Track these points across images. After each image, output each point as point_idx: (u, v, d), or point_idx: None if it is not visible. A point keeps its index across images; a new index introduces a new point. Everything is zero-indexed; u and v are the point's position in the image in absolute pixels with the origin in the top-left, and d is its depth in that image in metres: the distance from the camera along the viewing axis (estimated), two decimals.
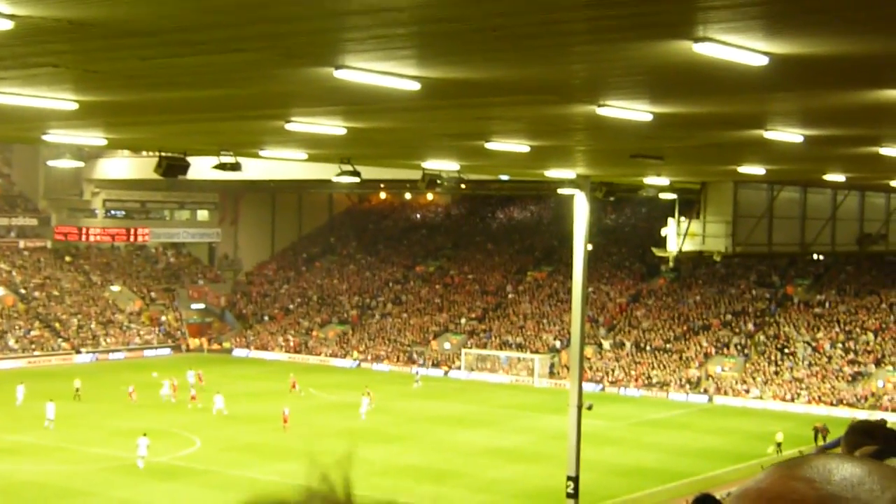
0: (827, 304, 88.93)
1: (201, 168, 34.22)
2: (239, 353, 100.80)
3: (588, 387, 65.78)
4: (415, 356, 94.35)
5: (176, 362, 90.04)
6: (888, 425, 6.28)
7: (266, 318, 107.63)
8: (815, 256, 78.02)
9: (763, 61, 14.12)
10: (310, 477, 0.99)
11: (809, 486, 1.22)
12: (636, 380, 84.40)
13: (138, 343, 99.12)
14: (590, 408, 45.97)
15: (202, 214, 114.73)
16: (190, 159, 32.03)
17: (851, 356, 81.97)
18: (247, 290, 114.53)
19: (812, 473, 1.24)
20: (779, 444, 55.94)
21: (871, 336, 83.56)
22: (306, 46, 14.62)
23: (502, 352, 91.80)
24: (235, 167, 32.23)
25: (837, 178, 41.84)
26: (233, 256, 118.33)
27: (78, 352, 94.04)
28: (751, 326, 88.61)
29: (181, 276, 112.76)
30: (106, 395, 73.13)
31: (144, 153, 58.30)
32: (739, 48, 13.57)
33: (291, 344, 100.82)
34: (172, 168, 31.87)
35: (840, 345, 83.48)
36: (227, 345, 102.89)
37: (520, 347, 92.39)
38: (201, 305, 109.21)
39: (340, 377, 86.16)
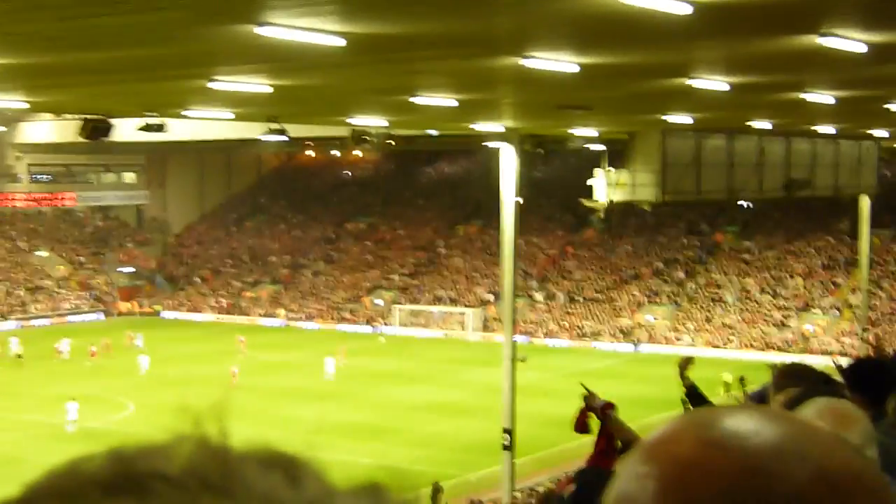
0: (755, 251, 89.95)
1: (126, 130, 33.82)
2: (169, 315, 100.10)
3: (521, 339, 66.08)
4: (348, 314, 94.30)
5: (107, 327, 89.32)
6: (814, 368, 6.35)
7: (197, 279, 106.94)
8: (742, 203, 78.81)
9: (687, 9, 14.15)
10: (182, 420, 0.98)
11: (726, 456, 1.16)
12: (569, 331, 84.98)
13: (68, 308, 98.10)
14: (523, 360, 46.17)
15: (129, 177, 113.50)
16: (114, 121, 31.65)
17: (780, 301, 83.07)
18: (177, 252, 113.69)
19: (729, 438, 1.17)
20: (728, 385, 56.32)
21: (799, 281, 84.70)
22: (227, 4, 14.44)
23: (435, 307, 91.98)
24: (160, 128, 31.92)
25: (763, 124, 42.18)
26: (161, 218, 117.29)
27: (5, 318, 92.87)
28: (681, 274, 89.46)
29: (110, 239, 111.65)
30: (35, 361, 72.40)
31: (68, 116, 57.44)
32: None
33: (224, 305, 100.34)
34: (97, 130, 31.48)
35: (769, 290, 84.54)
36: (157, 307, 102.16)
37: (452, 302, 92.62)
38: (131, 269, 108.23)
39: (269, 337, 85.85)
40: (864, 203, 66.64)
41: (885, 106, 33.64)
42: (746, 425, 1.19)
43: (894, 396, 4.77)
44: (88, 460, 0.95)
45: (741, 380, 55.27)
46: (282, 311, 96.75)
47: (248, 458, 0.96)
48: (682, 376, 9.95)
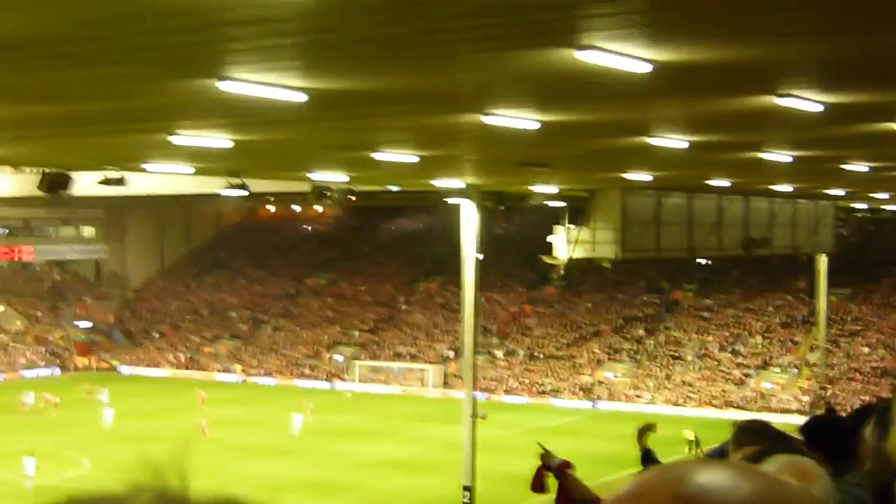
0: (715, 308, 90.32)
1: (85, 183, 33.65)
2: (127, 370, 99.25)
3: (481, 396, 65.93)
4: (307, 370, 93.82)
5: (62, 382, 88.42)
6: (773, 426, 6.36)
7: (155, 334, 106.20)
8: (701, 261, 79.18)
9: (646, 68, 14.25)
10: (142, 472, 0.97)
11: (662, 490, 1.16)
12: (528, 388, 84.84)
13: (23, 363, 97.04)
14: (484, 417, 46.04)
15: (87, 231, 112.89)
16: (73, 175, 31.50)
17: (740, 359, 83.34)
18: (135, 307, 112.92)
19: (704, 494, 1.16)
20: (692, 442, 56.38)
21: (758, 338, 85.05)
22: (189, 58, 14.43)
23: (395, 363, 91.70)
24: (120, 182, 31.80)
25: (722, 183, 42.47)
26: (120, 273, 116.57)
27: None
28: (641, 332, 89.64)
29: (67, 294, 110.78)
30: None
31: (26, 169, 56.99)
32: (622, 55, 13.68)
33: (182, 360, 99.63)
34: (55, 184, 31.33)
35: (728, 348, 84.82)
36: (115, 362, 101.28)
37: (412, 358, 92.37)
38: (88, 323, 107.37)
39: (228, 392, 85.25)
40: (822, 262, 67.12)
41: (841, 166, 33.96)
42: (720, 481, 1.18)
43: (868, 424, 4.76)
44: None
45: (696, 440, 55.48)
46: (238, 367, 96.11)
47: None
48: (640, 440, 9.97)
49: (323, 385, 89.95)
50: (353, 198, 43.05)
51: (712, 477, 1.18)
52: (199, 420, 65.11)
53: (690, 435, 57.34)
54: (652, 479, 1.21)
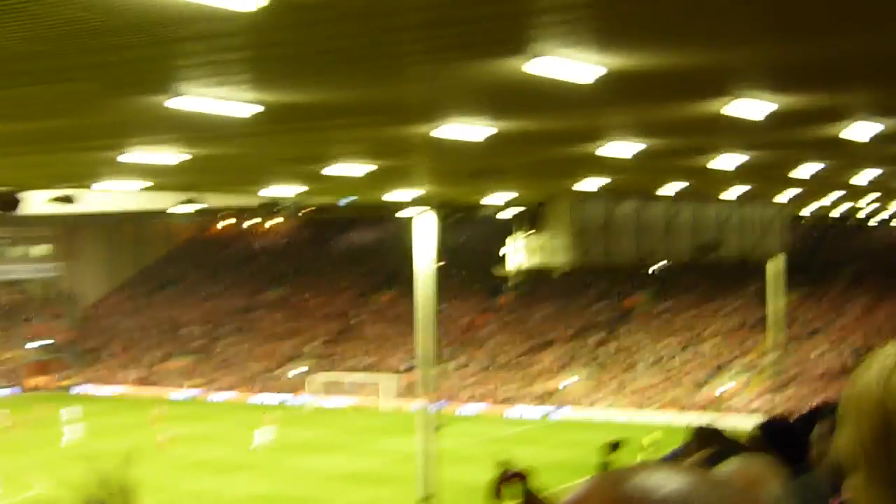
0: (669, 314, 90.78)
1: (35, 202, 33.40)
2: (80, 389, 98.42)
3: (437, 406, 65.88)
4: (263, 385, 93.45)
5: (15, 402, 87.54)
6: (728, 429, 6.42)
7: (109, 352, 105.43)
8: (654, 268, 79.57)
9: (593, 77, 14.34)
10: (88, 485, 0.99)
11: (605, 493, 1.20)
12: (485, 397, 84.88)
13: None
14: (440, 427, 46.03)
15: (38, 249, 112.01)
16: (22, 194, 31.26)
17: (694, 363, 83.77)
18: (88, 325, 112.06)
19: (636, 489, 1.21)
20: (654, 444, 56.29)
21: (712, 342, 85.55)
22: (138, 75, 14.38)
23: (350, 374, 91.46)
24: (70, 200, 31.59)
25: (672, 189, 42.73)
26: (72, 291, 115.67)
27: None
28: (596, 339, 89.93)
29: (18, 313, 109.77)
30: None
31: None
32: (572, 63, 13.75)
33: (137, 378, 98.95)
34: (4, 203, 31.06)
35: (683, 353, 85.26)
36: (67, 382, 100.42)
37: (367, 370, 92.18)
38: (41, 343, 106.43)
39: (183, 409, 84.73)
40: (773, 265, 67.61)
41: (790, 170, 34.26)
42: (652, 481, 1.22)
43: (819, 426, 4.82)
44: None
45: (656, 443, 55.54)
46: (195, 383, 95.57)
47: None
48: (605, 456, 10.05)
49: (280, 399, 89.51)
50: (304, 211, 42.94)
51: (645, 478, 1.22)
52: (159, 436, 64.76)
53: (653, 438, 57.31)
54: (592, 484, 1.26)
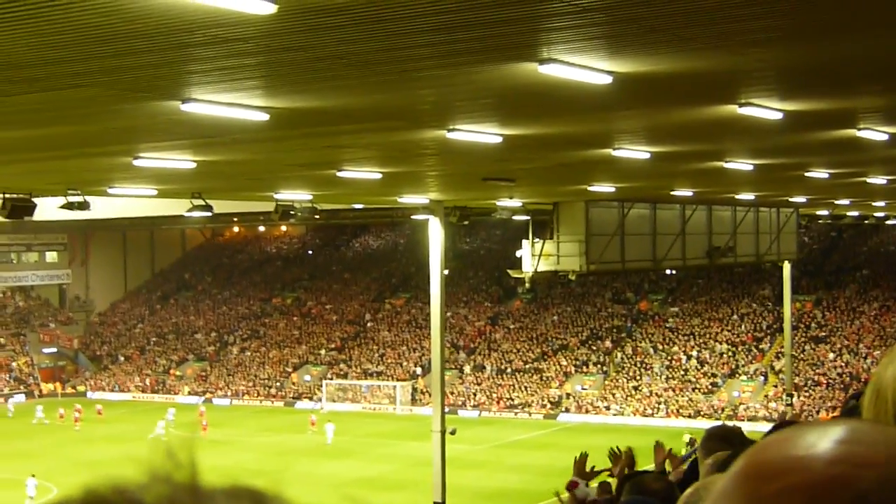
0: (681, 318, 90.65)
1: (48, 208, 33.50)
2: (94, 395, 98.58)
3: (450, 411, 65.93)
4: (275, 390, 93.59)
5: (28, 408, 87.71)
6: (743, 432, 6.41)
7: (121, 358, 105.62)
8: (667, 271, 79.44)
9: (607, 80, 14.35)
10: (153, 458, 0.99)
11: (874, 450, 1.14)
12: (498, 402, 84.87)
13: None
14: (453, 433, 46.03)
15: (51, 256, 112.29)
16: (36, 200, 31.34)
17: (707, 368, 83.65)
18: (100, 331, 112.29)
19: (870, 437, 1.16)
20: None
21: (724, 347, 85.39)
22: (151, 80, 14.41)
23: (363, 381, 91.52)
24: (83, 206, 31.64)
25: (685, 193, 42.68)
26: (85, 297, 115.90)
27: None
28: (608, 343, 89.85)
29: (31, 319, 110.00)
30: None
31: None
32: (583, 68, 13.77)
33: (148, 383, 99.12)
34: (18, 210, 31.11)
35: (695, 357, 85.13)
36: (81, 388, 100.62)
37: (381, 375, 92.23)
38: (53, 349, 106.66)
39: (192, 414, 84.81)
40: (786, 269, 67.47)
41: (803, 173, 34.21)
42: (863, 427, 1.19)
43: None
44: (66, 499, 0.96)
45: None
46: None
47: (218, 491, 0.98)
48: (617, 471, 10.13)
49: (294, 405, 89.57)
50: (318, 216, 42.99)
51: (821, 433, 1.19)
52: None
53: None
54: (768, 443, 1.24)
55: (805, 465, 1.15)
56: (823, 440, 1.17)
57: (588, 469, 10.34)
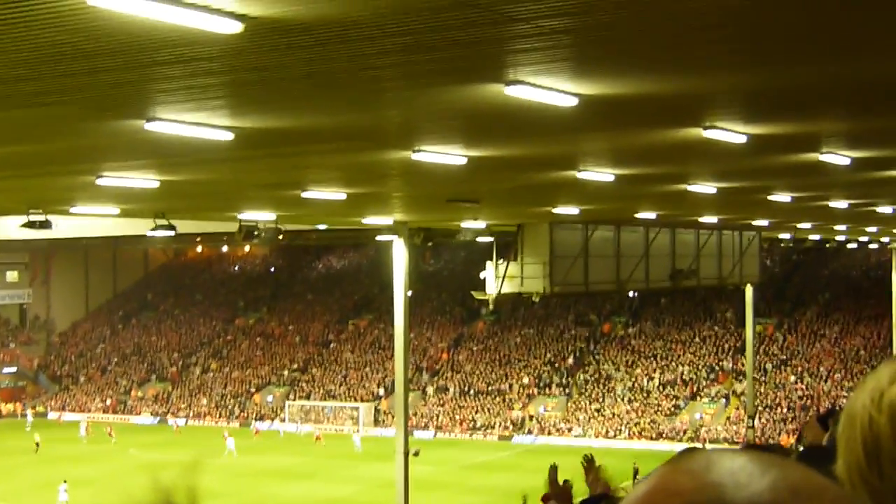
0: (643, 340, 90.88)
1: (9, 227, 33.25)
2: (53, 416, 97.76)
3: (413, 433, 65.77)
4: (237, 411, 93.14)
5: None
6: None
7: (82, 378, 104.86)
8: (630, 293, 79.62)
9: (572, 102, 14.36)
10: (153, 488, 1.00)
11: (690, 477, 1.26)
12: (461, 423, 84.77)
13: None
14: (416, 454, 45.91)
15: (11, 275, 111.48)
16: None
17: (669, 390, 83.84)
18: (61, 351, 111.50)
19: (693, 465, 1.28)
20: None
21: (686, 369, 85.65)
22: (114, 99, 14.31)
23: (326, 402, 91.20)
24: (45, 225, 31.40)
25: (649, 215, 42.80)
26: (45, 317, 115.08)
27: None
28: (571, 364, 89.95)
29: None
30: None
31: None
32: (550, 90, 13.78)
33: (109, 404, 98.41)
34: None
35: (658, 379, 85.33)
36: (41, 408, 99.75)
37: (343, 397, 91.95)
38: (13, 369, 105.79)
39: (152, 436, 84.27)
40: (749, 292, 67.78)
41: (766, 196, 34.37)
42: (712, 457, 1.32)
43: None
44: None
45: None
46: (167, 409, 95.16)
47: None
48: (590, 480, 10.13)
49: (254, 425, 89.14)
50: (281, 237, 42.86)
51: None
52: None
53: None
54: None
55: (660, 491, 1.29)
56: (688, 466, 1.30)
57: (561, 481, 10.35)
